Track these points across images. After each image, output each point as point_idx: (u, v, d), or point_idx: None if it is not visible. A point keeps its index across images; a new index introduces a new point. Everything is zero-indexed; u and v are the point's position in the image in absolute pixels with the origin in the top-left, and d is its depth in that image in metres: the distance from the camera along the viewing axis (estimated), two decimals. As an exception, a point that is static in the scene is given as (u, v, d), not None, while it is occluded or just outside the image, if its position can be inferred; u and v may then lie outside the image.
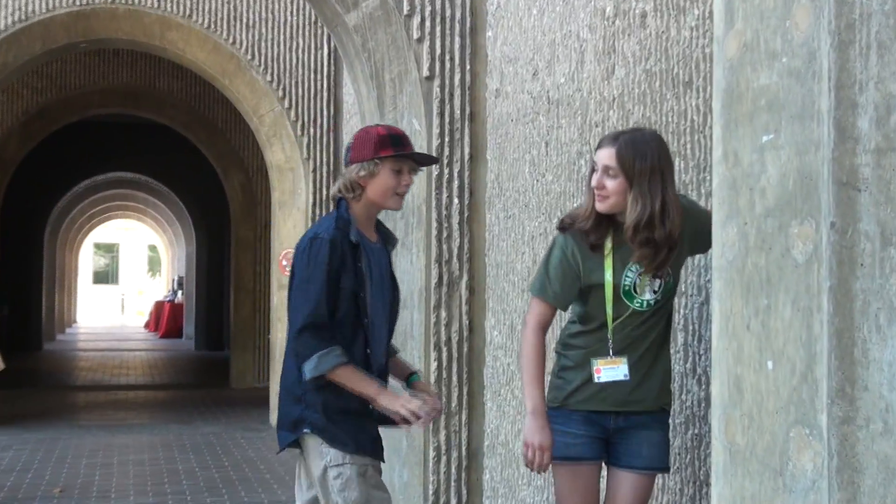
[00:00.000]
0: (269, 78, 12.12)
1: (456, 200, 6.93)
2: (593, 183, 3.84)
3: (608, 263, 3.86)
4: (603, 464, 4.03)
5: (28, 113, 16.16)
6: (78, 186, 25.83)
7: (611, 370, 3.85)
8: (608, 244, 3.88)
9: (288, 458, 9.89)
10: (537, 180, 6.16)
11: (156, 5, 11.78)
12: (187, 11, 11.88)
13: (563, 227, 3.94)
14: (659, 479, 4.77)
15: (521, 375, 4.13)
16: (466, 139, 7.02)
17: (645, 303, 3.88)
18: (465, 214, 6.92)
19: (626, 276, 3.87)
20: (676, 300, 4.61)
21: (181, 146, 20.01)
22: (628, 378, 3.85)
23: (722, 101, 3.06)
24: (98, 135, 21.85)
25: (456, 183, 6.97)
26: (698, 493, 4.42)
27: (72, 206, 29.77)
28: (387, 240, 4.31)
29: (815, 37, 2.65)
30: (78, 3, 11.53)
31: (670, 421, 4.18)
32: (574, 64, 5.69)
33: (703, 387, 4.27)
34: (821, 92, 2.62)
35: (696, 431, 4.46)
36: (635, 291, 3.87)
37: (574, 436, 3.90)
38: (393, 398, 4.01)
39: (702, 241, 3.84)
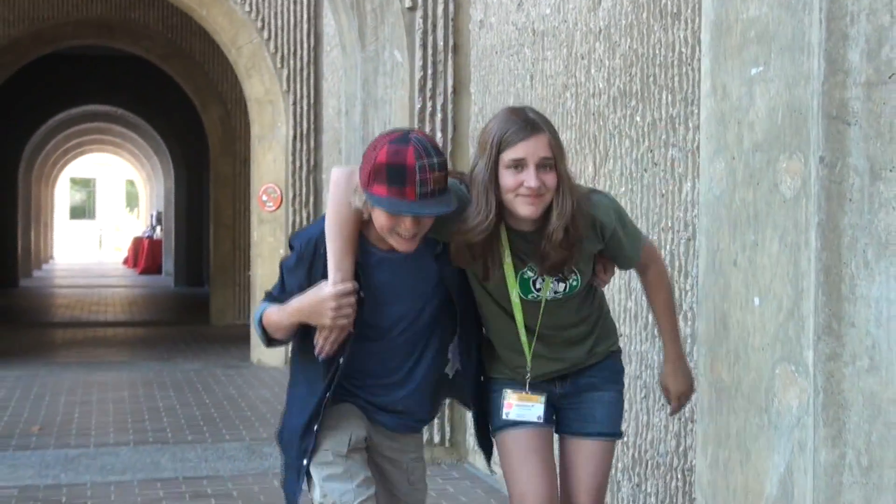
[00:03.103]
0: (247, 8, 12.01)
1: (439, 134, 6.91)
2: (532, 182, 3.12)
3: (511, 283, 3.31)
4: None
5: None
6: (52, 120, 25.66)
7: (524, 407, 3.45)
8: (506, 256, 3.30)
9: (270, 397, 9.94)
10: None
11: (130, -67, 11.64)
12: (163, -60, 11.76)
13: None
14: (643, 416, 4.81)
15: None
16: (450, 72, 6.98)
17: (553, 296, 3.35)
18: (449, 148, 6.90)
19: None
20: (663, 235, 4.62)
21: (158, 79, 19.88)
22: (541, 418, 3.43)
23: (710, 33, 3.04)
24: (72, 67, 21.68)
25: (439, 116, 6.95)
26: (683, 430, 4.46)
27: (47, 140, 29.60)
28: (430, 242, 3.33)
29: (806, -33, 2.63)
30: (50, -70, 11.38)
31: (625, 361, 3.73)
32: (559, -6, 5.65)
33: (689, 323, 4.30)
34: (811, 23, 2.61)
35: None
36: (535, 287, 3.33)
37: (499, 399, 3.47)
38: (313, 301, 3.23)
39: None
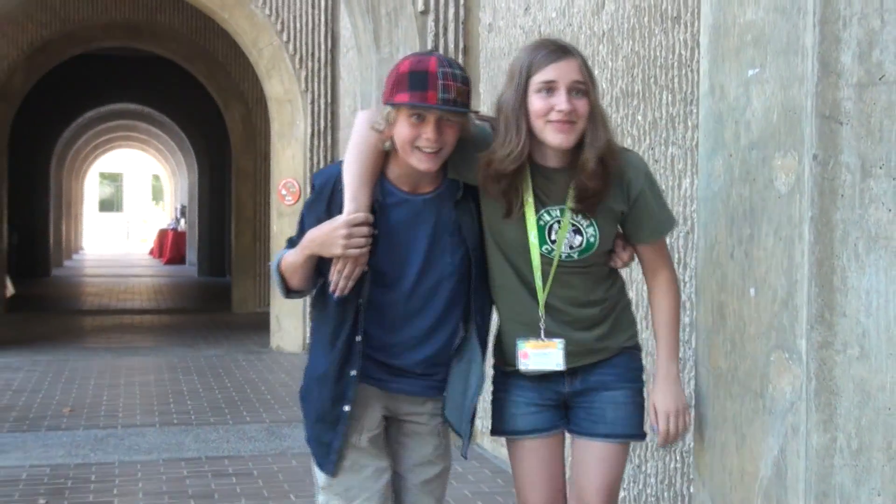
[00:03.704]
0: (267, 12, 12.01)
1: (450, 132, 6.90)
2: (563, 105, 2.86)
3: (531, 225, 3.01)
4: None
5: (33, 46, 16.02)
6: (82, 117, 25.70)
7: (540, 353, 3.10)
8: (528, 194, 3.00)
9: (288, 381, 9.95)
10: (529, 113, 6.13)
11: (157, -60, 11.64)
12: (187, -54, 11.76)
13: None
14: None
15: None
16: (460, 72, 6.98)
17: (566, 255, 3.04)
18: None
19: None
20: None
21: (182, 78, 19.90)
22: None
23: (709, 36, 3.04)
24: (101, 67, 21.72)
25: (450, 115, 6.94)
26: (681, 414, 4.45)
27: (77, 136, 29.65)
28: (452, 187, 3.11)
29: (801, -27, 2.63)
30: (80, -63, 11.39)
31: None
32: (565, -1, 5.64)
33: (688, 312, 4.29)
34: (805, 27, 2.60)
35: (681, 355, 4.48)
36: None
37: (521, 404, 3.16)
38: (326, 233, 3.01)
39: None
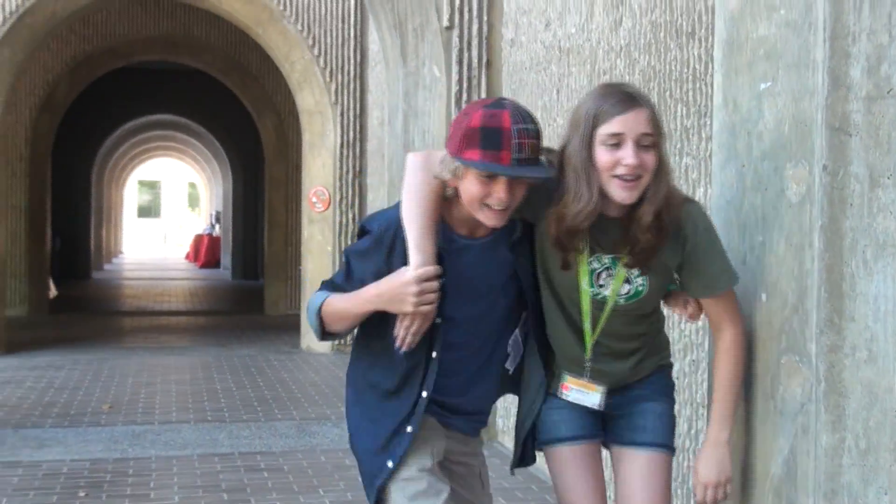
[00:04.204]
0: (299, 27, 12.04)
1: (473, 142, 6.90)
2: (630, 160, 2.65)
3: (583, 271, 2.85)
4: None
5: (76, 59, 16.12)
6: (122, 128, 25.81)
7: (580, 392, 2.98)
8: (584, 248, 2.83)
9: (318, 380, 9.96)
10: (549, 124, 6.13)
11: (194, -41, 11.70)
12: (223, -36, 11.81)
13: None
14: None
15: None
16: (483, 86, 6.98)
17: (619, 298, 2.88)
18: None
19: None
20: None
21: (218, 90, 19.97)
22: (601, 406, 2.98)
23: (723, 51, 3.03)
24: (141, 80, 21.81)
25: (473, 126, 6.94)
26: (695, 414, 4.44)
27: (117, 145, 29.78)
28: (508, 228, 2.86)
29: (812, -9, 2.62)
30: (122, -44, 11.47)
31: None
32: (584, 15, 5.64)
33: (702, 316, 4.27)
34: (816, 42, 2.59)
35: (694, 357, 4.47)
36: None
37: (563, 412, 2.99)
38: (398, 285, 2.72)
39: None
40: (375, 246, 2.80)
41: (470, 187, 2.67)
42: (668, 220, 2.73)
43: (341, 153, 12.06)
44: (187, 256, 36.80)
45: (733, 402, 2.81)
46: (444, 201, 2.78)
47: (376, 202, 11.46)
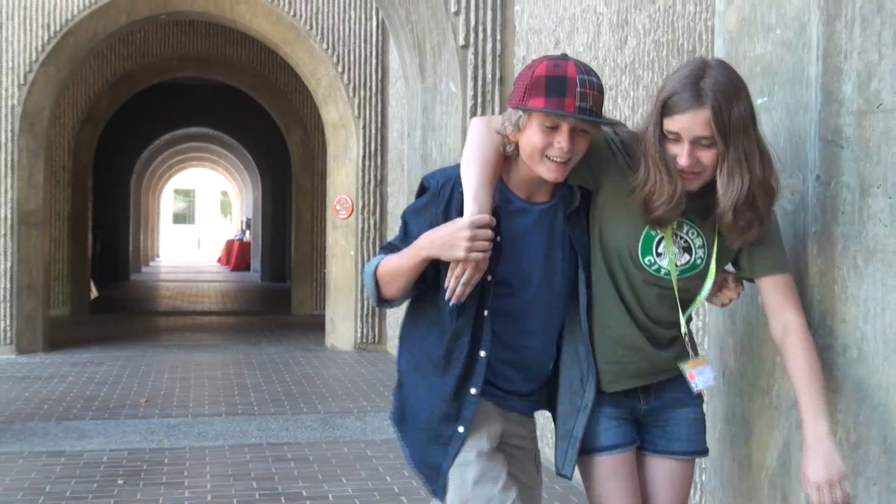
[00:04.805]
0: (325, 46, 12.07)
1: (487, 154, 6.90)
2: (683, 161, 2.48)
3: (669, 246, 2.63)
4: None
5: (115, 76, 16.18)
6: (159, 140, 25.89)
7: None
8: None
9: (341, 376, 9.96)
10: (558, 137, 6.12)
11: (226, -18, 11.74)
12: (254, -13, 11.86)
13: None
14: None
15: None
16: (497, 100, 6.98)
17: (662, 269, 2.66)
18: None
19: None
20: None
21: (248, 105, 20.01)
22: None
23: (722, 68, 3.03)
24: (176, 95, 21.88)
25: (487, 139, 6.95)
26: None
27: (154, 156, 29.87)
28: (567, 197, 2.66)
29: (806, 11, 2.62)
30: (159, -21, 11.51)
31: None
32: (591, 35, 5.64)
33: (702, 317, 4.27)
34: (810, 60, 2.59)
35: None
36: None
37: (605, 419, 2.75)
38: (448, 235, 2.50)
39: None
40: (433, 199, 2.61)
41: (532, 136, 2.49)
42: (763, 205, 2.50)
43: (363, 164, 12.08)
44: (219, 260, 36.87)
45: (821, 391, 2.46)
46: (504, 160, 2.60)
47: (396, 209, 11.47)
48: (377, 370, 10.45)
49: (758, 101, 2.78)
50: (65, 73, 11.58)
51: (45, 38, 11.28)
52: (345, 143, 12.23)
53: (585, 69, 2.48)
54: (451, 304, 2.53)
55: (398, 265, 2.58)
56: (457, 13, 6.98)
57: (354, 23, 12.14)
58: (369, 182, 12.07)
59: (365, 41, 12.13)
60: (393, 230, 11.60)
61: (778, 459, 2.74)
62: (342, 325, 12.20)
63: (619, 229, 2.62)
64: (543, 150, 2.49)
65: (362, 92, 12.09)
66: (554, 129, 2.47)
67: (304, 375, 10.10)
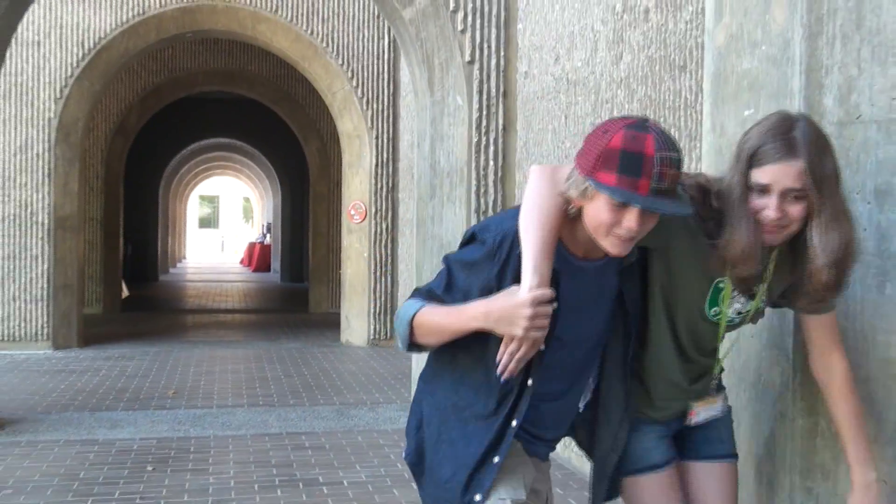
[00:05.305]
0: (340, 62, 12.09)
1: (492, 163, 6.91)
2: (771, 214, 2.23)
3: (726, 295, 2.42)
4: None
5: (145, 90, 16.22)
6: (185, 149, 25.93)
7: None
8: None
9: (355, 370, 9.96)
10: (558, 146, 6.12)
11: (248, 2, 11.75)
12: (274, 7, 11.85)
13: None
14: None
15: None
16: (500, 113, 6.98)
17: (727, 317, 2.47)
18: (499, 174, 6.89)
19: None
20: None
21: (269, 117, 20.04)
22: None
23: (711, 83, 3.03)
24: (202, 108, 21.92)
25: (491, 149, 6.95)
26: (686, 401, 4.41)
27: (181, 165, 29.90)
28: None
29: (790, 28, 2.62)
30: (185, 0, 11.53)
31: None
32: (589, 51, 5.64)
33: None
34: (793, 75, 2.59)
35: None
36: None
37: (654, 438, 2.57)
38: (506, 305, 2.18)
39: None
40: (487, 258, 2.28)
41: (599, 212, 2.15)
42: (845, 273, 2.26)
43: (376, 172, 12.09)
44: (242, 262, 36.85)
45: (867, 438, 2.35)
46: (565, 219, 2.25)
47: (407, 214, 11.48)
48: (389, 364, 10.45)
49: (745, 114, 2.78)
50: (98, 87, 11.61)
51: (80, 54, 11.31)
52: (359, 152, 12.24)
53: (665, 143, 2.10)
54: (501, 379, 2.25)
55: (442, 324, 2.27)
56: (463, 31, 6.99)
57: (368, 40, 12.15)
58: (382, 189, 12.08)
59: (377, 57, 12.14)
60: (403, 234, 11.61)
61: (764, 448, 2.74)
62: (356, 322, 12.21)
63: (689, 286, 2.40)
64: (611, 227, 2.15)
65: (375, 105, 12.11)
66: (624, 206, 2.12)
67: (320, 369, 10.11)
